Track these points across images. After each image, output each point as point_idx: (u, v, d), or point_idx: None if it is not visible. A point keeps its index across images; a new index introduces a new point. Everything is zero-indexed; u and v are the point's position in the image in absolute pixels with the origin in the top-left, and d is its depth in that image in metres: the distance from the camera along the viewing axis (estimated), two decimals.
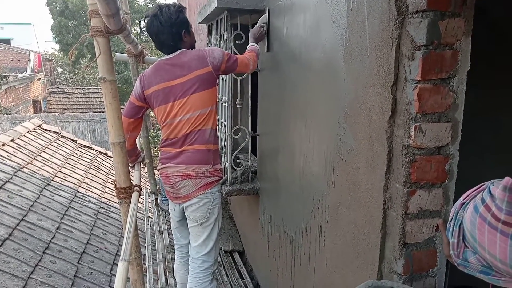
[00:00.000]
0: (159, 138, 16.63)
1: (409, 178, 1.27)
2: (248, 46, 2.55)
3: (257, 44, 2.59)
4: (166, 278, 3.04)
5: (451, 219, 1.07)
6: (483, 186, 0.98)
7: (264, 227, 2.87)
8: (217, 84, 2.31)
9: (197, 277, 2.30)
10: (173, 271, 3.17)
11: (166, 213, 4.31)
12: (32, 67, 21.01)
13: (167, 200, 4.34)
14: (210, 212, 2.26)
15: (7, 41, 26.95)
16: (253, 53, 2.48)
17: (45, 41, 27.62)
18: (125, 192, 2.02)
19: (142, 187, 2.29)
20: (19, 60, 22.34)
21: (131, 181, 2.09)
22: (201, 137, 2.22)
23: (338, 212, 1.70)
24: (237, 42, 2.79)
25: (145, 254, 3.64)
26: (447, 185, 1.31)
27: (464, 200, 1.04)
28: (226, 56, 2.26)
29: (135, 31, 19.32)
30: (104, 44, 1.79)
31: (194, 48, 2.33)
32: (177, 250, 2.60)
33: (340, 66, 1.63)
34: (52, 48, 26.84)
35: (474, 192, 1.02)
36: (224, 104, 3.20)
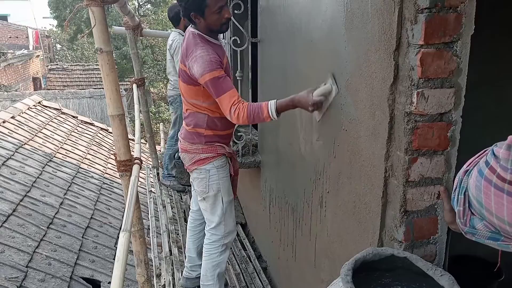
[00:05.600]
0: (160, 114, 16.59)
1: (410, 146, 1.26)
2: (271, 101, 1.94)
3: (279, 108, 1.93)
4: (170, 248, 3.07)
5: (456, 188, 1.05)
6: (487, 151, 0.96)
7: (266, 199, 2.88)
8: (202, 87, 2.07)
9: (207, 248, 2.36)
10: (176, 242, 3.21)
11: (168, 188, 4.33)
12: (33, 44, 20.82)
13: (168, 176, 4.37)
14: (209, 187, 2.25)
15: (4, 18, 26.58)
16: (258, 110, 1.94)
17: (43, 17, 27.19)
18: (126, 165, 2.02)
19: (144, 162, 2.30)
20: (17, 37, 22.09)
21: (132, 154, 2.08)
22: (195, 120, 2.22)
23: (339, 182, 1.70)
24: (236, 11, 2.73)
25: (149, 225, 3.68)
26: (449, 152, 1.29)
27: (467, 167, 1.02)
28: (204, 79, 1.99)
29: (132, 5, 18.98)
30: (99, 13, 1.76)
31: (215, 29, 2.12)
32: (190, 213, 2.66)
33: (341, 33, 1.59)
34: (50, 24, 26.49)
35: (477, 158, 1.00)
36: None
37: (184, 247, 3.09)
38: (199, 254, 2.52)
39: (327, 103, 1.77)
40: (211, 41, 2.13)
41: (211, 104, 2.14)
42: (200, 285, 2.44)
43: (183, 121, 2.33)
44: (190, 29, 2.15)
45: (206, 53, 2.01)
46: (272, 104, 1.93)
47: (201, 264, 2.45)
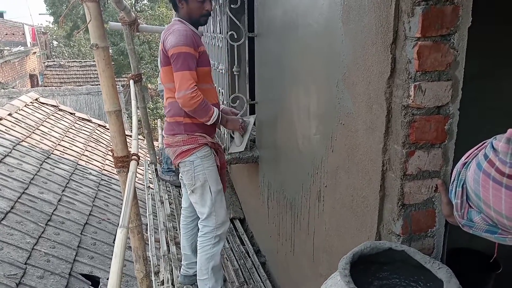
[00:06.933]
0: (157, 110, 16.54)
1: (408, 139, 1.25)
2: (216, 109, 2.26)
3: (223, 122, 2.37)
4: (168, 246, 3.07)
5: (453, 180, 1.05)
6: (485, 144, 0.96)
7: (264, 194, 2.88)
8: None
9: (200, 241, 2.36)
10: (174, 239, 3.21)
11: (167, 183, 4.33)
12: (31, 41, 20.72)
13: (168, 171, 4.36)
14: (195, 179, 2.26)
15: (0, 15, 26.43)
16: (209, 107, 2.18)
17: (39, 14, 27.07)
18: (123, 161, 2.02)
19: (142, 157, 2.31)
20: (13, 34, 21.97)
21: (129, 150, 2.08)
22: (173, 109, 2.25)
23: (336, 176, 1.70)
24: (232, 6, 2.71)
25: (147, 224, 3.68)
26: (447, 145, 1.29)
27: (466, 160, 1.02)
28: (175, 50, 2.08)
29: (129, 0, 18.88)
30: (95, 9, 1.74)
31: (195, 18, 2.25)
32: (181, 211, 2.68)
33: (338, 27, 1.58)
34: (46, 21, 26.37)
35: (476, 151, 1.00)
36: (220, 71, 3.15)
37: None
38: (194, 251, 2.52)
39: (248, 132, 2.55)
40: (191, 28, 2.22)
41: None
42: (197, 280, 2.45)
43: (165, 114, 2.38)
44: (173, 18, 2.29)
45: (184, 29, 2.12)
46: (216, 110, 2.25)
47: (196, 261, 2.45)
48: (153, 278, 2.82)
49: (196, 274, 2.49)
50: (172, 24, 2.22)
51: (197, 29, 2.30)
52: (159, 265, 3.02)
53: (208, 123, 2.24)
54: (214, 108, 2.24)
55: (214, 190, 2.29)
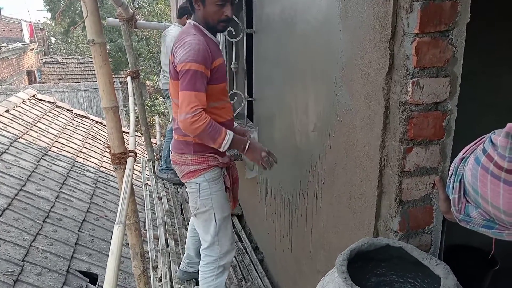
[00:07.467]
0: (155, 107, 16.50)
1: (406, 135, 1.25)
2: (230, 132, 1.92)
3: (240, 148, 1.96)
4: (166, 241, 3.07)
5: (451, 175, 1.05)
6: (484, 139, 0.95)
7: (262, 191, 2.88)
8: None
9: (201, 271, 2.18)
10: (173, 235, 3.20)
11: (164, 181, 4.32)
12: (29, 37, 20.67)
13: (167, 169, 4.35)
14: (199, 204, 2.05)
15: None
16: (217, 131, 1.85)
17: (36, 10, 26.97)
18: (120, 158, 2.01)
19: (139, 155, 2.30)
20: (10, 30, 21.89)
21: (126, 147, 2.07)
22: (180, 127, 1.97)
23: (334, 173, 1.69)
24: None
25: (145, 220, 3.67)
26: (445, 141, 1.28)
27: (464, 155, 1.02)
28: (183, 66, 1.82)
29: None
30: (91, 4, 1.73)
31: (212, 23, 1.97)
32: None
33: (336, 23, 1.58)
34: (44, 17, 26.32)
35: (474, 146, 1.00)
36: None
37: (181, 239, 3.10)
38: (198, 254, 2.42)
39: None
40: (207, 34, 1.96)
41: None
42: None
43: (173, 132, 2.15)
44: (188, 20, 2.03)
45: (196, 41, 1.83)
46: (230, 134, 1.90)
47: (198, 262, 2.32)
48: (151, 274, 2.82)
49: (195, 272, 2.44)
50: (186, 31, 1.94)
51: (215, 36, 2.04)
52: (156, 260, 3.01)
53: (220, 150, 1.91)
54: (227, 132, 1.89)
55: (219, 217, 2.08)
